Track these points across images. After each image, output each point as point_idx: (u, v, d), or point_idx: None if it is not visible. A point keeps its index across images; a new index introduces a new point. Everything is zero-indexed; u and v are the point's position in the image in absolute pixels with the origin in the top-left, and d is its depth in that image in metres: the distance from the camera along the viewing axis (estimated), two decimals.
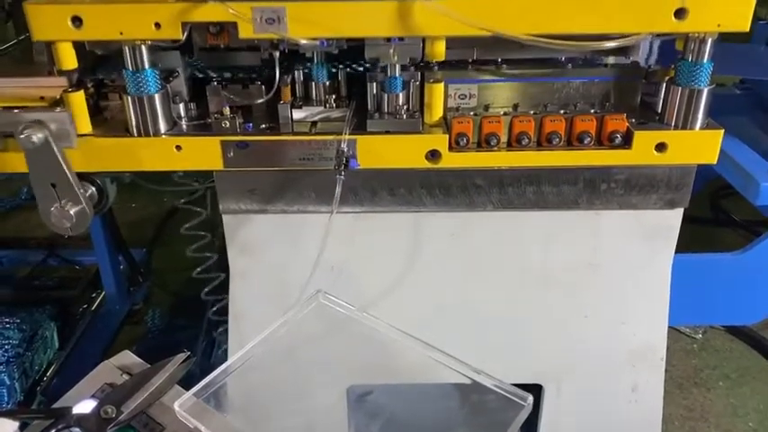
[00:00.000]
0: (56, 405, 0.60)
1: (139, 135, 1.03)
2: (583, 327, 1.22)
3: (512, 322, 1.20)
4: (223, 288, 1.48)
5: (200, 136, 1.04)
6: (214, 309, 1.48)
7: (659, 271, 1.18)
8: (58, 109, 0.98)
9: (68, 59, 0.98)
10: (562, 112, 1.05)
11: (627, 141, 1.03)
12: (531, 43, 0.91)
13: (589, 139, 1.03)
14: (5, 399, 1.50)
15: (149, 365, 0.64)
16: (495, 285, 1.18)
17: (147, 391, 0.57)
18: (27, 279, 2.20)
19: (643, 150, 1.02)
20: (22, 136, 0.90)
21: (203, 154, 1.04)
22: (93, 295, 2.09)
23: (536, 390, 1.24)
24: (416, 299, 1.18)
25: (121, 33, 0.94)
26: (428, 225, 1.14)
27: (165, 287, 2.25)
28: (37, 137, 0.90)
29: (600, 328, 1.22)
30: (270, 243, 1.17)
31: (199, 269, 1.45)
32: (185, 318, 2.01)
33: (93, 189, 1.10)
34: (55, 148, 0.92)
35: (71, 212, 1.00)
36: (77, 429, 0.54)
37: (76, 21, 0.93)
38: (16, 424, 0.53)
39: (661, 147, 1.02)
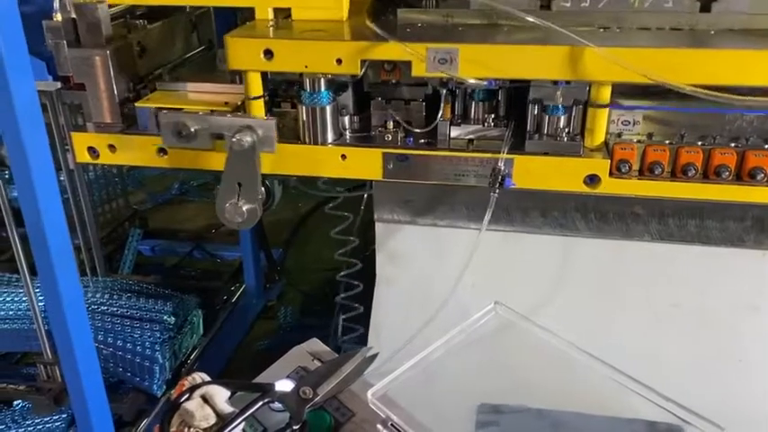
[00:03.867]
0: (256, 380, 0.66)
1: (310, 143, 1.10)
2: (735, 372, 1.15)
3: (657, 360, 1.16)
4: (356, 297, 1.54)
5: (364, 147, 1.10)
6: (345, 316, 1.54)
7: None
8: (268, 117, 1.07)
9: (257, 87, 1.08)
10: (732, 145, 1.02)
11: None
12: (698, 95, 0.89)
13: (762, 175, 0.98)
14: (157, 375, 1.63)
15: (336, 354, 0.68)
16: (643, 320, 1.14)
17: (338, 378, 0.61)
18: (175, 268, 2.38)
19: None
20: (234, 139, 0.99)
21: (366, 164, 1.10)
22: (233, 288, 2.22)
23: None
24: (557, 326, 1.17)
25: (306, 67, 1.02)
26: (579, 251, 1.13)
27: (297, 286, 2.35)
28: (246, 140, 1.00)
29: (754, 374, 1.15)
30: (417, 254, 1.21)
31: (343, 273, 1.52)
32: (315, 318, 2.10)
33: (263, 190, 1.19)
34: (257, 152, 1.01)
35: (244, 209, 1.09)
36: (279, 405, 0.59)
37: (268, 54, 1.02)
38: (229, 392, 0.59)
39: None
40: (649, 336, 1.15)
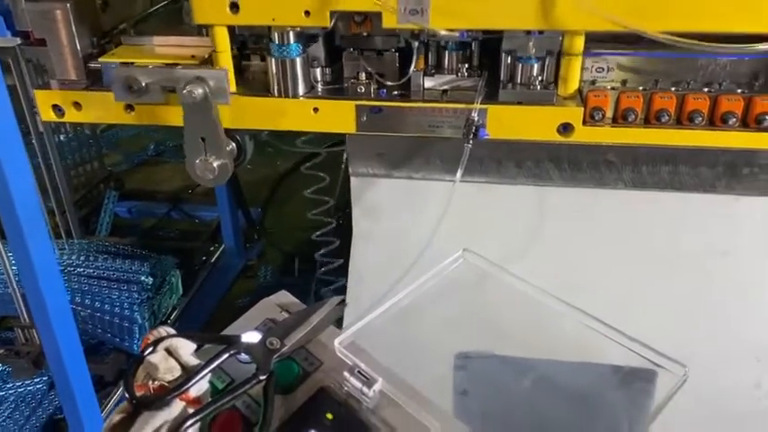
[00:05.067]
0: (223, 333, 0.66)
1: (280, 96, 1.08)
2: (707, 316, 1.17)
3: (632, 306, 1.17)
4: (334, 252, 1.54)
5: (337, 99, 1.08)
6: (323, 270, 1.54)
7: None
8: (218, 67, 1.04)
9: (223, 41, 1.05)
10: (706, 90, 1.01)
11: None
12: (675, 44, 0.88)
13: (734, 119, 0.98)
14: (136, 335, 1.64)
15: (305, 305, 0.68)
16: (618, 267, 1.15)
17: (306, 328, 0.61)
18: (152, 229, 2.36)
19: None
20: (184, 91, 0.97)
21: (338, 117, 1.08)
22: (212, 249, 2.22)
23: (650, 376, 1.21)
24: (534, 276, 1.18)
25: (273, 20, 0.99)
26: (553, 200, 1.13)
27: (277, 246, 2.35)
28: (198, 92, 0.97)
29: (725, 318, 1.17)
30: (393, 207, 1.20)
31: (318, 233, 1.51)
32: (295, 276, 2.11)
33: (234, 145, 1.17)
34: (211, 104, 0.99)
35: (214, 165, 1.07)
36: (246, 356, 0.59)
37: (234, 7, 0.99)
38: (195, 345, 0.59)
39: None
40: (622, 282, 1.16)
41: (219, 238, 2.22)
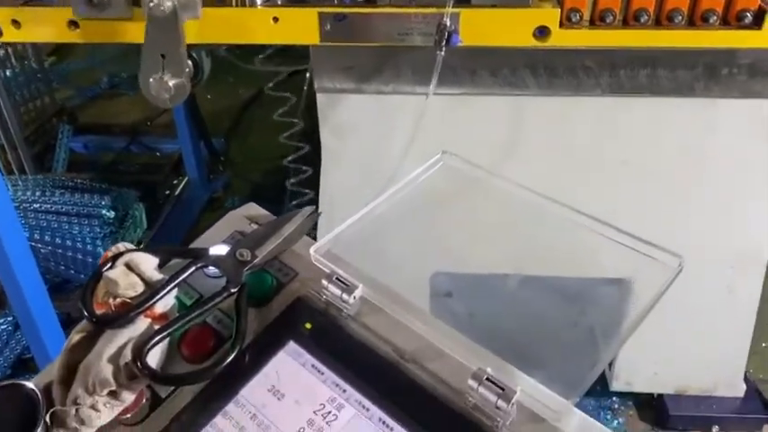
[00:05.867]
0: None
1: (237, 5, 1.00)
2: (683, 221, 1.16)
3: (609, 212, 1.16)
4: (306, 182, 1.49)
5: (298, 7, 1.01)
6: (293, 182, 1.49)
7: None
8: None
9: None
10: None
11: (757, 21, 0.93)
12: None
13: (715, 17, 0.94)
14: None
15: (275, 216, 0.64)
16: (596, 175, 1.13)
17: (278, 239, 0.57)
18: (112, 164, 2.27)
19: None
20: (152, 4, 0.88)
21: (300, 26, 1.01)
22: (176, 182, 2.14)
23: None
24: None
25: None
26: (530, 109, 1.09)
27: (243, 177, 2.28)
28: (167, 5, 0.89)
29: (701, 224, 1.16)
30: (363, 124, 1.15)
31: (290, 158, 1.46)
32: (265, 205, 2.05)
33: (191, 63, 1.09)
34: (178, 18, 0.91)
35: (170, 84, 1.00)
36: (215, 269, 0.55)
37: None
38: (157, 259, 0.55)
39: None
40: (600, 189, 1.14)
41: (182, 170, 2.14)
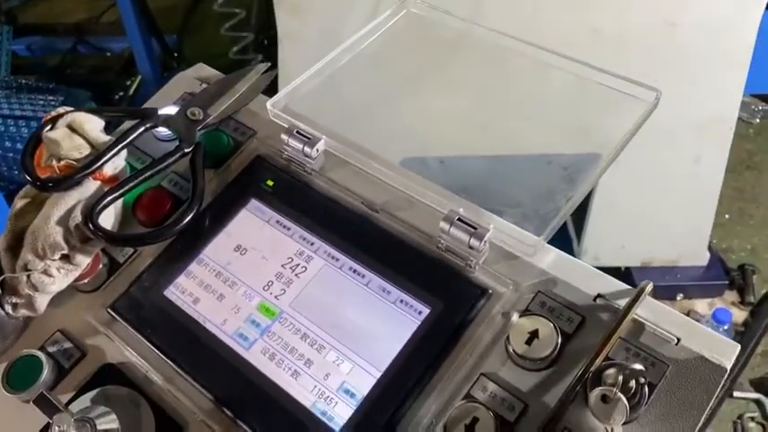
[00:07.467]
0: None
1: None
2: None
3: (575, 83, 1.13)
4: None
5: None
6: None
7: (744, 31, 1.07)
8: None
9: None
10: None
11: None
12: None
13: None
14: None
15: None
16: (568, 42, 1.08)
17: (232, 97, 0.53)
18: (59, 66, 2.14)
19: None
20: None
21: None
22: (129, 82, 2.03)
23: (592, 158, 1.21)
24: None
25: None
26: None
27: None
28: None
29: (669, 92, 1.14)
30: (320, 2, 1.08)
31: (235, 48, 1.38)
32: None
33: None
34: None
35: None
36: (164, 129, 0.52)
37: None
38: (103, 121, 0.51)
39: None
40: (572, 59, 1.10)
41: (134, 69, 2.03)
